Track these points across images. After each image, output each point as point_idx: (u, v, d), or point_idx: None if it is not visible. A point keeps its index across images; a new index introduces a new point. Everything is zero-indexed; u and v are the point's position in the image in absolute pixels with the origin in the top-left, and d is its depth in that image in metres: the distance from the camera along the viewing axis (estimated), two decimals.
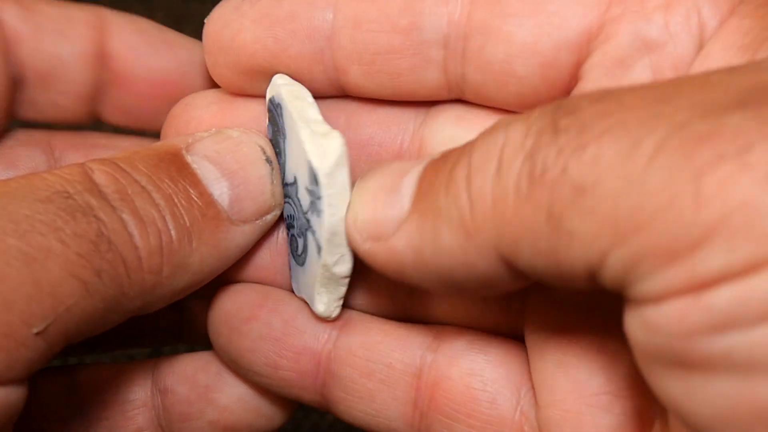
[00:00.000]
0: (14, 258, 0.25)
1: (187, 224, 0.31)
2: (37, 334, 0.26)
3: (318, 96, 0.34)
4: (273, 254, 0.35)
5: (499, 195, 0.24)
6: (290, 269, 0.35)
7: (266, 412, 0.37)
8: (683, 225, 0.21)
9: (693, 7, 0.28)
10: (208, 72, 0.35)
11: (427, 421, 0.33)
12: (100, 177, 0.29)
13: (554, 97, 0.31)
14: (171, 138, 0.34)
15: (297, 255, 0.34)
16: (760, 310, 0.20)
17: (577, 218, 0.22)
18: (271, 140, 0.34)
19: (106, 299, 0.28)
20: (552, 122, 0.24)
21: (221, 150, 0.32)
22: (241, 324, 0.34)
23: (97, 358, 0.48)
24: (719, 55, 0.28)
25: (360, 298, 0.35)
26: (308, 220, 0.32)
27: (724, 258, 0.20)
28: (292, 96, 0.33)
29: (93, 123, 0.39)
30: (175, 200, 0.30)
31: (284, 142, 0.33)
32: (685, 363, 0.21)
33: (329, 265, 0.32)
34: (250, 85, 0.34)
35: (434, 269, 0.27)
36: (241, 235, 0.33)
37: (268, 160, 0.33)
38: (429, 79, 0.32)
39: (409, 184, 0.28)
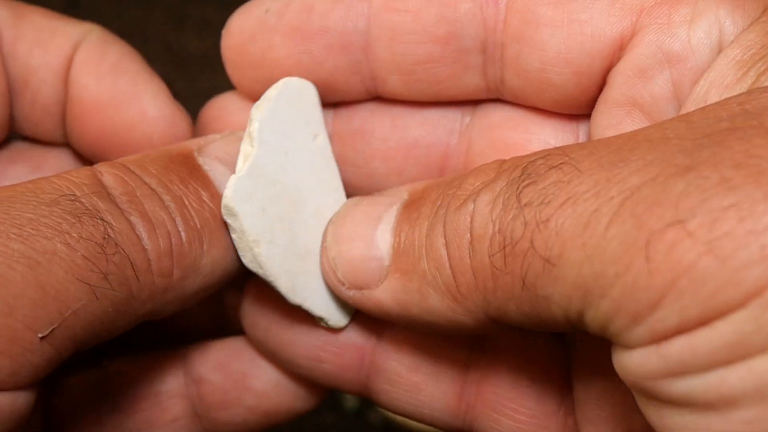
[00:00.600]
0: (17, 262, 0.25)
1: (198, 226, 0.30)
2: (43, 338, 0.25)
3: (350, 102, 0.34)
4: None
5: (477, 267, 0.27)
6: None
7: (303, 393, 0.37)
8: (640, 291, 0.23)
9: (715, 23, 0.29)
10: (144, 105, 0.34)
11: (473, 413, 0.34)
12: (109, 179, 0.29)
13: (588, 102, 0.32)
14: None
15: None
16: (708, 359, 0.22)
17: (549, 286, 0.25)
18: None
19: (115, 302, 0.28)
20: (516, 194, 0.26)
21: (232, 151, 0.32)
22: (283, 317, 0.34)
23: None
24: (719, 69, 0.29)
25: None
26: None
27: (676, 317, 0.22)
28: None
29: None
30: (186, 202, 0.30)
31: None
32: (655, 399, 0.24)
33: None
34: None
35: (421, 322, 0.29)
36: None
37: None
38: (469, 83, 0.33)
39: (383, 236, 0.30)
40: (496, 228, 0.26)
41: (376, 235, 0.30)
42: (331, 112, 0.35)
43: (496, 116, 0.34)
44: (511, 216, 0.25)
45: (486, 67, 0.33)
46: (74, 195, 0.28)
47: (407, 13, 0.32)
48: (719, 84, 0.28)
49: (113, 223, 0.28)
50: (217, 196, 0.31)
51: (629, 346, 0.24)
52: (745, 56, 0.28)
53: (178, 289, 0.30)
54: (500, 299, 0.26)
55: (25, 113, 0.35)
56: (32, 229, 0.26)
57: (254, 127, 0.31)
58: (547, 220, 0.24)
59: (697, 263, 0.22)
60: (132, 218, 0.28)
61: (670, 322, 0.23)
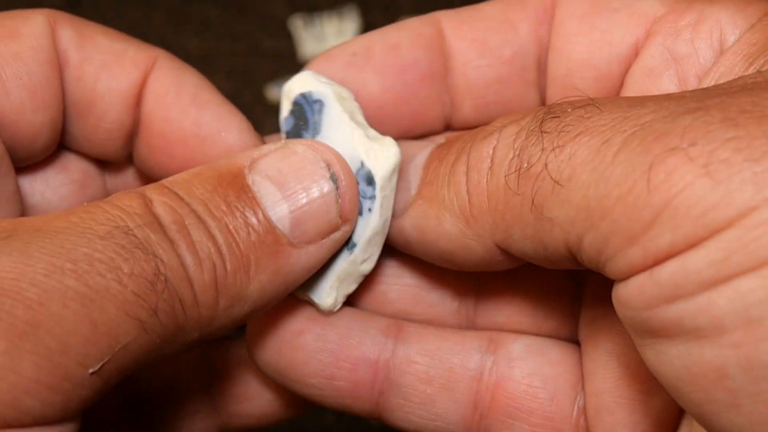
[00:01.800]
0: (72, 300, 0.25)
1: (244, 254, 0.30)
2: (93, 373, 0.26)
3: (430, 134, 0.36)
4: None
5: (492, 188, 0.28)
6: None
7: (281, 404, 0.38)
8: (637, 209, 0.24)
9: (716, 25, 0.31)
10: (228, 142, 0.35)
11: (486, 422, 0.34)
12: (159, 208, 0.29)
13: None
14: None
15: None
16: (697, 281, 0.23)
17: (555, 207, 0.26)
18: (288, 132, 0.35)
19: (162, 335, 0.28)
20: (539, 125, 0.27)
21: (284, 168, 0.32)
22: (294, 337, 0.35)
23: None
24: (727, 62, 0.30)
25: (424, 309, 0.36)
26: None
27: (669, 236, 0.23)
28: (338, 96, 0.34)
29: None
30: (231, 229, 0.30)
31: (315, 136, 0.34)
32: (651, 332, 0.24)
33: (358, 261, 0.34)
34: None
35: (436, 248, 0.31)
36: (305, 257, 0.32)
37: (333, 178, 0.33)
38: (529, 99, 0.35)
39: (415, 170, 0.32)
40: (516, 153, 0.27)
41: (408, 169, 0.32)
42: None
43: None
44: (531, 142, 0.27)
45: (539, 81, 0.35)
46: (128, 227, 0.28)
47: (476, 41, 0.34)
48: (728, 74, 0.30)
49: (164, 259, 0.28)
50: (264, 221, 0.31)
51: (623, 274, 0.25)
52: (750, 51, 0.30)
53: (224, 317, 0.30)
54: (508, 221, 0.28)
55: (87, 135, 0.35)
56: (87, 264, 0.26)
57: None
58: (563, 146, 0.26)
59: (692, 184, 0.23)
60: (180, 251, 0.29)
61: (663, 241, 0.23)
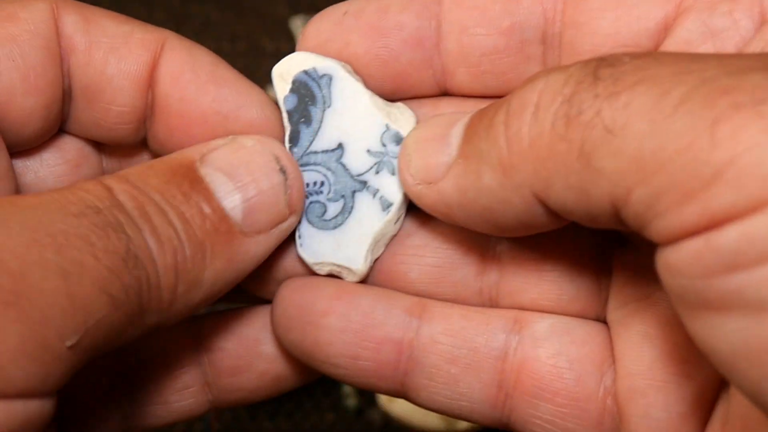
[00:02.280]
0: (51, 272, 0.26)
1: (201, 240, 0.31)
2: (70, 347, 0.26)
3: (421, 97, 0.36)
4: None
5: (535, 135, 0.27)
6: (298, 237, 0.36)
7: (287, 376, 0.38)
8: (698, 165, 0.22)
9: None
10: (249, 119, 0.35)
11: (511, 402, 0.34)
12: (121, 195, 0.30)
13: None
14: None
15: (323, 220, 0.35)
16: (764, 249, 0.21)
17: (605, 157, 0.25)
18: (291, 111, 0.35)
19: (128, 314, 0.28)
20: (593, 72, 0.26)
21: (235, 161, 0.33)
22: (318, 317, 0.35)
23: None
24: None
25: (446, 289, 0.36)
26: (365, 182, 0.35)
27: (731, 196, 0.22)
28: (345, 70, 0.35)
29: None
30: (188, 217, 0.31)
31: (325, 110, 0.35)
32: (705, 304, 0.23)
33: (392, 221, 0.35)
34: None
35: (476, 208, 0.30)
36: (255, 246, 0.33)
37: (282, 170, 0.34)
38: (530, 73, 0.34)
39: (456, 133, 0.31)
40: (565, 97, 0.26)
41: (450, 133, 0.31)
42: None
43: None
44: (584, 87, 0.26)
45: (545, 56, 0.34)
46: (98, 207, 0.28)
47: (475, 8, 0.34)
48: None
49: (133, 237, 0.28)
50: (218, 210, 0.32)
51: (674, 236, 0.23)
52: None
53: (181, 302, 0.31)
54: (550, 169, 0.26)
55: (98, 120, 0.35)
56: (64, 239, 0.26)
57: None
58: (619, 93, 0.25)
59: (762, 143, 0.22)
60: (145, 234, 0.29)
61: (724, 201, 0.22)
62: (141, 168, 0.32)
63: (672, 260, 0.23)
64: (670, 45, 0.32)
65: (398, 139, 0.35)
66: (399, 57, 0.34)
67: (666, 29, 0.32)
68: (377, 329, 0.34)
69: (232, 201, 0.32)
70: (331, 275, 0.36)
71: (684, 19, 0.32)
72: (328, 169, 0.35)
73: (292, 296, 0.35)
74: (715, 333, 0.23)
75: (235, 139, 0.34)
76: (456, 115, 0.32)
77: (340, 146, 0.35)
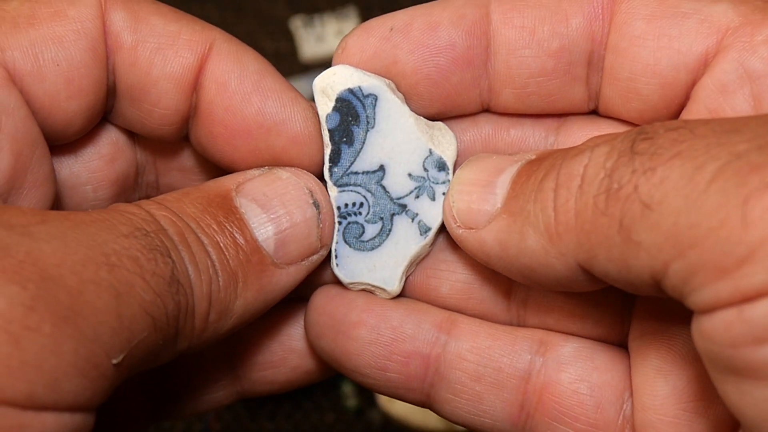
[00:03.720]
0: (105, 291, 0.26)
1: (234, 271, 0.31)
2: (115, 365, 0.26)
3: (464, 115, 0.36)
4: None
5: (580, 208, 0.28)
6: (334, 256, 0.36)
7: (313, 369, 0.38)
8: (731, 244, 0.23)
9: None
10: (292, 132, 0.34)
11: (532, 422, 0.35)
12: (162, 221, 0.30)
13: (670, 115, 0.33)
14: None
15: (360, 241, 0.36)
16: None
17: (643, 231, 0.25)
18: (333, 130, 0.35)
19: (165, 337, 0.29)
20: (631, 146, 0.27)
21: (269, 192, 0.33)
22: (349, 328, 0.35)
23: None
24: None
25: (475, 305, 0.36)
26: (405, 205, 0.35)
27: (764, 275, 0.23)
28: (390, 88, 0.35)
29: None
30: (222, 247, 0.31)
31: (369, 131, 0.35)
32: (735, 370, 0.24)
33: (428, 245, 0.36)
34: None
35: (516, 264, 0.31)
36: (285, 278, 0.33)
37: (316, 204, 0.34)
38: (575, 94, 0.34)
39: (503, 184, 0.32)
40: (607, 173, 0.27)
41: (496, 182, 0.32)
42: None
43: (584, 130, 0.35)
44: (622, 162, 0.27)
45: (589, 78, 0.34)
46: (146, 230, 0.29)
47: (524, 28, 0.34)
48: None
49: (177, 263, 0.29)
50: (251, 241, 0.32)
51: (708, 307, 0.24)
52: None
53: (211, 329, 0.31)
54: (593, 242, 0.27)
55: (141, 119, 0.34)
56: (117, 259, 0.27)
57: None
58: (655, 169, 0.25)
59: None
60: (185, 260, 0.29)
61: (756, 280, 0.23)
62: (177, 195, 0.32)
63: (706, 328, 0.24)
64: (707, 85, 0.32)
65: (440, 165, 0.35)
66: (449, 77, 0.34)
67: (705, 65, 0.32)
68: (406, 343, 0.35)
69: (265, 232, 0.32)
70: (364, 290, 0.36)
71: (722, 59, 0.31)
72: (368, 190, 0.35)
73: (325, 305, 0.36)
74: (744, 398, 0.24)
75: (271, 170, 0.34)
76: (503, 160, 0.32)
77: (381, 168, 0.35)
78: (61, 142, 0.34)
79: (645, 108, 0.33)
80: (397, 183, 0.35)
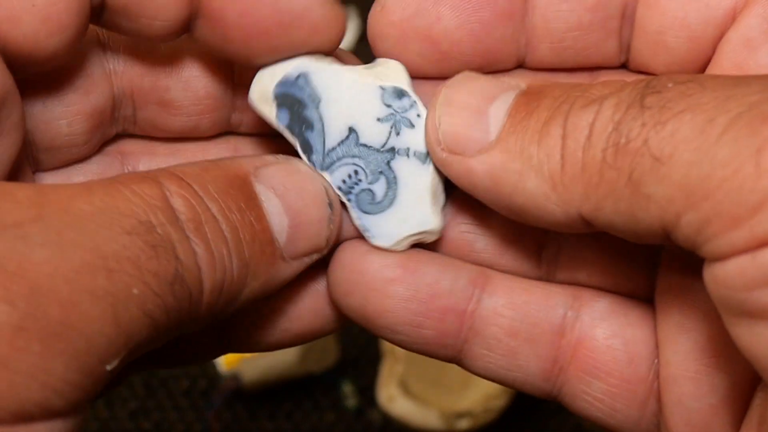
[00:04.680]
0: (101, 299, 0.26)
1: (247, 260, 0.31)
2: (110, 370, 0.26)
3: (498, 71, 0.35)
4: None
5: (588, 161, 0.28)
6: (365, 231, 0.35)
7: (333, 318, 0.37)
8: (744, 193, 0.24)
9: None
10: (311, 23, 0.34)
11: (564, 377, 0.35)
12: (177, 202, 0.29)
13: (697, 69, 0.34)
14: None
15: (376, 203, 0.35)
16: None
17: (654, 184, 0.26)
18: (289, 125, 0.35)
19: (166, 330, 0.28)
20: (639, 99, 0.27)
21: (288, 184, 0.33)
22: (384, 285, 0.35)
23: None
24: None
25: (507, 261, 0.36)
26: (392, 148, 0.35)
27: None
28: (314, 60, 0.34)
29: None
30: (241, 234, 0.30)
31: (319, 107, 0.34)
32: (747, 312, 0.25)
33: (435, 168, 0.34)
34: (442, 68, 0.35)
35: (507, 201, 0.31)
36: (288, 271, 0.33)
37: (330, 204, 0.34)
38: (609, 48, 0.35)
39: (497, 114, 0.31)
40: (615, 126, 0.27)
41: (488, 110, 0.31)
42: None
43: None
44: (631, 116, 0.27)
45: (621, 31, 0.34)
46: (150, 223, 0.28)
47: None
48: None
49: (183, 260, 0.28)
50: (267, 231, 0.31)
51: (723, 255, 0.25)
52: None
53: (214, 315, 0.31)
54: (600, 194, 0.28)
55: (138, 30, 0.33)
56: (115, 262, 0.26)
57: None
58: (665, 122, 0.26)
59: None
60: (197, 249, 0.29)
61: None
62: (198, 170, 0.31)
63: (719, 274, 0.25)
64: (732, 39, 0.32)
65: (398, 93, 0.34)
66: (492, 32, 0.34)
67: (733, 19, 0.32)
68: (443, 299, 0.35)
69: (280, 224, 0.32)
70: (414, 246, 0.35)
71: (748, 13, 0.32)
72: (353, 156, 0.35)
73: (354, 261, 0.35)
74: (756, 339, 0.25)
75: (289, 160, 0.34)
76: (493, 84, 0.32)
77: (351, 130, 0.35)
78: (38, 72, 0.33)
79: (672, 61, 0.33)
80: (373, 134, 0.35)
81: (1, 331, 0.24)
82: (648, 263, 0.35)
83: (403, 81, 0.34)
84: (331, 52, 0.34)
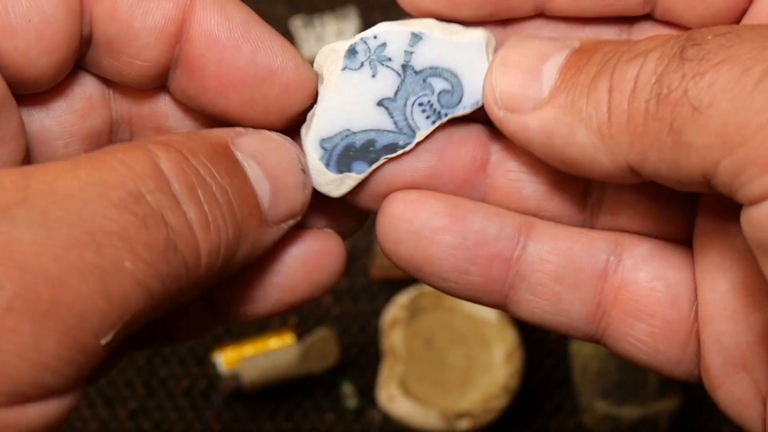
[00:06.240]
0: (90, 274, 0.26)
1: (239, 222, 0.31)
2: (105, 344, 0.26)
3: (517, 18, 0.35)
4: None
5: (633, 111, 0.29)
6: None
7: (319, 283, 0.37)
8: None
9: None
10: (286, 80, 0.34)
11: (608, 319, 0.36)
12: (167, 166, 0.29)
13: (732, 21, 0.34)
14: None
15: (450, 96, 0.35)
16: None
17: (693, 133, 0.27)
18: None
19: (164, 300, 0.28)
20: (680, 52, 0.28)
21: (265, 151, 0.33)
22: (433, 234, 0.35)
23: None
24: None
25: (553, 206, 0.37)
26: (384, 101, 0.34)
27: None
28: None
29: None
30: (231, 197, 0.31)
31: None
32: None
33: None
34: (454, 12, 0.35)
35: (560, 154, 0.32)
36: (270, 237, 0.33)
37: (303, 170, 0.34)
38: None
39: (549, 72, 0.32)
40: (657, 78, 0.28)
41: (542, 69, 0.32)
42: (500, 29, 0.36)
43: (653, 33, 0.35)
44: (672, 69, 0.28)
45: None
46: (140, 192, 0.28)
47: None
48: None
49: (174, 226, 0.28)
50: (253, 194, 0.32)
51: (757, 198, 0.26)
52: None
53: (210, 281, 0.31)
54: (645, 143, 0.29)
55: (119, 70, 0.34)
56: (103, 236, 0.26)
57: None
58: (704, 73, 0.27)
59: None
60: (190, 215, 0.29)
61: None
62: (183, 138, 0.31)
63: (753, 217, 0.27)
64: None
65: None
66: None
67: None
68: (490, 246, 0.35)
69: (262, 188, 0.32)
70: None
71: None
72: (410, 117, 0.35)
73: (403, 211, 0.35)
74: None
75: (260, 131, 0.34)
76: (547, 45, 0.33)
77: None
78: (30, 92, 0.33)
79: (709, 14, 0.34)
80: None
81: None
82: (687, 208, 0.36)
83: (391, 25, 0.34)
84: (300, 112, 0.35)
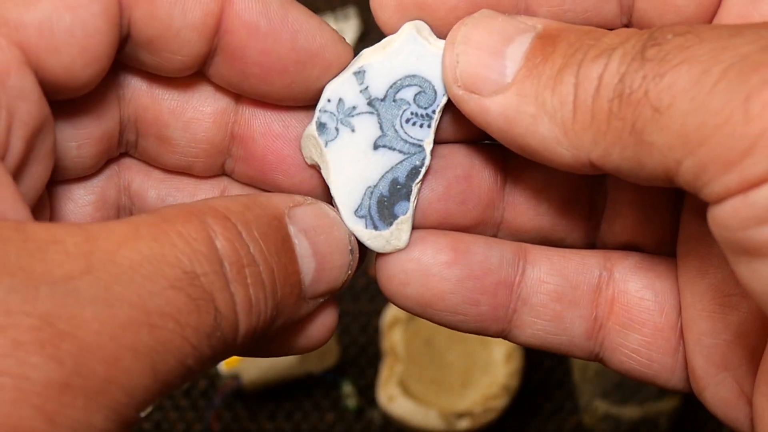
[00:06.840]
0: (143, 354, 0.26)
1: (279, 301, 0.31)
2: (143, 416, 0.27)
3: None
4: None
5: (596, 110, 0.30)
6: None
7: (329, 329, 0.37)
8: (734, 139, 0.26)
9: None
10: (326, 61, 0.34)
11: (603, 332, 0.37)
12: (223, 245, 0.29)
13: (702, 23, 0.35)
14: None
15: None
16: None
17: (655, 133, 0.28)
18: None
19: (199, 372, 0.29)
20: (642, 51, 0.29)
21: (318, 228, 0.33)
22: (442, 269, 0.36)
23: None
24: None
25: (546, 222, 0.38)
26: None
27: (764, 164, 0.25)
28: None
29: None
30: (276, 278, 0.31)
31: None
32: (744, 251, 0.27)
33: None
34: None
35: (519, 141, 0.32)
36: (305, 310, 0.33)
37: (351, 251, 0.34)
38: (609, 11, 0.35)
39: (513, 56, 0.32)
40: (620, 77, 0.29)
41: (506, 52, 0.32)
42: None
43: None
44: (633, 69, 0.28)
45: None
46: (195, 273, 0.28)
47: None
48: None
49: (222, 309, 0.29)
50: (297, 274, 0.32)
51: (719, 197, 0.26)
52: None
53: (237, 353, 0.32)
54: (608, 141, 0.29)
55: (160, 65, 0.34)
56: (158, 318, 0.27)
57: None
58: (663, 74, 0.27)
59: None
60: (237, 298, 0.29)
61: (759, 168, 0.25)
62: (240, 207, 0.31)
63: (717, 215, 0.27)
64: None
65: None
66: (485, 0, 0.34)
67: None
68: (494, 274, 0.36)
69: (308, 266, 0.32)
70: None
71: None
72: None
73: (409, 251, 0.36)
74: (755, 275, 0.27)
75: (317, 203, 0.34)
76: (511, 25, 0.33)
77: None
78: (65, 99, 0.33)
79: (680, 21, 0.34)
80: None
81: (50, 389, 0.25)
82: (670, 219, 0.37)
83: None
84: None
